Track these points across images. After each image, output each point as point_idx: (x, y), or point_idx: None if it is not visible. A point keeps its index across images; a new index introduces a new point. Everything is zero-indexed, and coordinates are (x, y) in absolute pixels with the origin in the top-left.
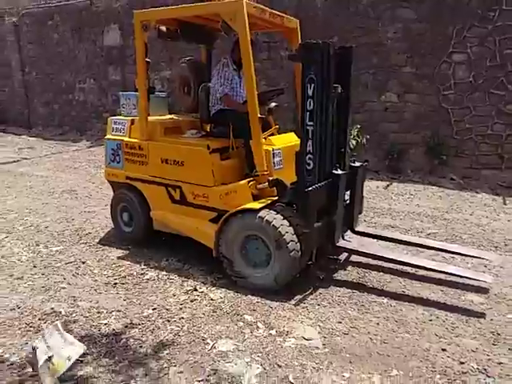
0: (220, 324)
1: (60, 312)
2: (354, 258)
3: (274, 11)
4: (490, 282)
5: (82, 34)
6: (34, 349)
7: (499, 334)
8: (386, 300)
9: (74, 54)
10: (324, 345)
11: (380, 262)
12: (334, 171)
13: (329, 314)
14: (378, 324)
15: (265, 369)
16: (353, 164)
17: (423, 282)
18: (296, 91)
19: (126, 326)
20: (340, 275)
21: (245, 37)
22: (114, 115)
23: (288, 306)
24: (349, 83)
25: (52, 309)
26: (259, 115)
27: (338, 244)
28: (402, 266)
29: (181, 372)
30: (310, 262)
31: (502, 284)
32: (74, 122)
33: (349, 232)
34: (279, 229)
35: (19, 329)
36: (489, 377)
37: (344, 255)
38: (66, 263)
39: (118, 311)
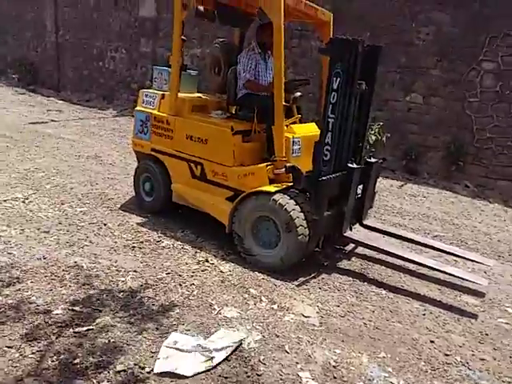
0: (227, 294)
1: (82, 266)
2: (359, 250)
3: (309, 3)
4: (485, 285)
5: (119, 2)
6: None
7: (487, 335)
8: (384, 292)
9: (108, 21)
10: (320, 323)
11: (384, 257)
12: (349, 164)
13: (328, 297)
14: (373, 312)
15: (264, 337)
16: (368, 159)
17: (422, 280)
18: (322, 83)
19: (141, 285)
20: (344, 264)
21: (279, 25)
22: (143, 87)
23: (291, 285)
24: (373, 81)
25: (75, 262)
26: (283, 103)
27: (345, 234)
28: (403, 263)
29: (188, 330)
30: (316, 249)
31: (498, 291)
32: (101, 89)
33: (357, 225)
34: (290, 213)
35: (45, 276)
36: (470, 370)
37: (350, 246)
38: (89, 223)
39: (135, 271)
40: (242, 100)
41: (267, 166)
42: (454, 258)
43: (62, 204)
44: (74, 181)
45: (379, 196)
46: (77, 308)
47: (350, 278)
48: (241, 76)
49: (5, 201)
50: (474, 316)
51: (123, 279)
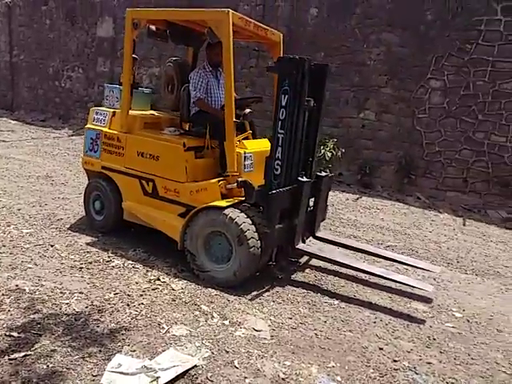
0: (177, 312)
1: (24, 289)
2: (314, 262)
3: (258, 23)
4: (430, 291)
5: (75, 22)
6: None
7: (434, 339)
8: (336, 302)
9: (64, 41)
10: (272, 336)
11: (338, 268)
12: (299, 178)
13: (281, 310)
14: (325, 322)
15: (213, 353)
16: (319, 173)
17: (374, 289)
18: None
19: (87, 307)
20: (298, 276)
21: (228, 45)
22: (99, 106)
23: (244, 300)
24: (321, 98)
25: (16, 286)
26: (234, 119)
27: (297, 247)
28: (356, 273)
29: (133, 351)
30: (270, 263)
31: (446, 296)
32: (57, 109)
33: (311, 237)
34: (241, 226)
35: None
36: (417, 374)
37: (304, 259)
38: (35, 245)
39: (81, 293)
40: (194, 117)
41: (219, 181)
42: (405, 266)
43: (8, 226)
44: (22, 202)
45: (335, 209)
46: (14, 334)
47: (304, 290)
48: (191, 94)
49: None
50: (423, 321)
51: (67, 302)
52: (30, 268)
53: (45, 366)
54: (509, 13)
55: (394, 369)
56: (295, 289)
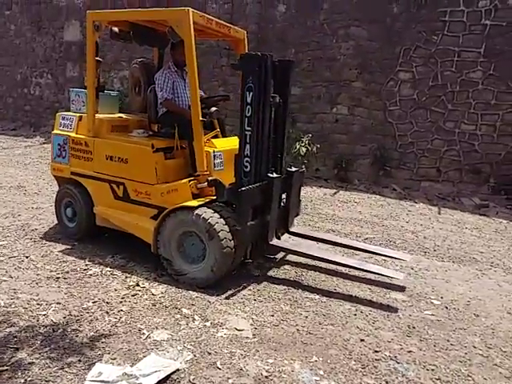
0: (158, 316)
1: None
2: (293, 258)
3: (220, 21)
4: (401, 278)
5: (41, 27)
6: None
7: (414, 328)
8: (318, 296)
9: (31, 47)
10: (254, 335)
11: (317, 263)
12: (269, 174)
13: (263, 308)
14: (306, 317)
15: (195, 356)
16: (289, 169)
17: (354, 282)
18: None
19: (65, 317)
20: (279, 273)
21: (190, 43)
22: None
23: (226, 301)
24: (287, 94)
25: None
26: (201, 118)
27: (271, 243)
28: (336, 267)
29: (114, 359)
30: (246, 260)
31: (425, 285)
32: (27, 117)
33: (286, 233)
34: (214, 226)
35: None
36: (398, 363)
37: (281, 255)
38: (10, 257)
39: (58, 303)
40: (162, 118)
41: (190, 181)
42: (383, 257)
43: None
44: None
45: (313, 204)
46: None
47: (285, 287)
48: (158, 95)
49: None
50: (402, 311)
51: (44, 313)
52: (4, 281)
53: (22, 381)
54: (470, 4)
55: (376, 359)
56: (276, 286)
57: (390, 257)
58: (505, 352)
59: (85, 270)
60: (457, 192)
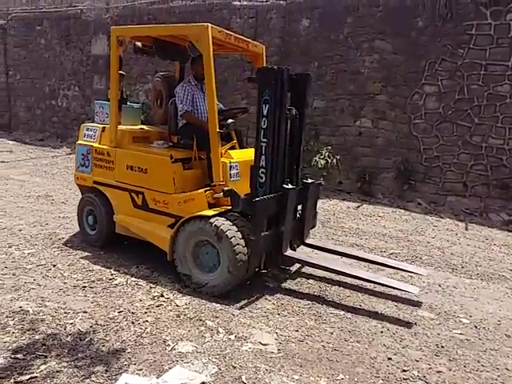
0: (182, 328)
1: (28, 311)
2: (318, 272)
3: (239, 36)
4: (415, 292)
5: (70, 41)
6: None
7: (443, 347)
8: (342, 312)
9: (59, 60)
10: (279, 350)
11: (342, 278)
12: (284, 185)
13: (287, 323)
14: (332, 333)
15: (220, 369)
16: (305, 181)
17: (380, 298)
18: None
19: (91, 327)
20: (302, 288)
21: (208, 58)
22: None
23: (249, 314)
24: (304, 106)
25: (20, 307)
26: (218, 130)
27: (285, 253)
28: (361, 282)
29: (140, 370)
30: (260, 270)
31: (453, 302)
32: (55, 128)
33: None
34: (228, 234)
35: None
36: (426, 383)
37: (296, 266)
38: (37, 265)
39: (85, 312)
40: (181, 130)
41: (206, 191)
42: (409, 273)
43: (10, 247)
44: (22, 222)
45: (337, 218)
46: (19, 355)
47: (309, 301)
48: (178, 108)
49: None
50: (430, 329)
51: (71, 321)
52: (33, 289)
53: None
54: (498, 17)
55: (404, 379)
56: (300, 300)
57: (405, 270)
58: None
59: (110, 279)
60: (484, 207)
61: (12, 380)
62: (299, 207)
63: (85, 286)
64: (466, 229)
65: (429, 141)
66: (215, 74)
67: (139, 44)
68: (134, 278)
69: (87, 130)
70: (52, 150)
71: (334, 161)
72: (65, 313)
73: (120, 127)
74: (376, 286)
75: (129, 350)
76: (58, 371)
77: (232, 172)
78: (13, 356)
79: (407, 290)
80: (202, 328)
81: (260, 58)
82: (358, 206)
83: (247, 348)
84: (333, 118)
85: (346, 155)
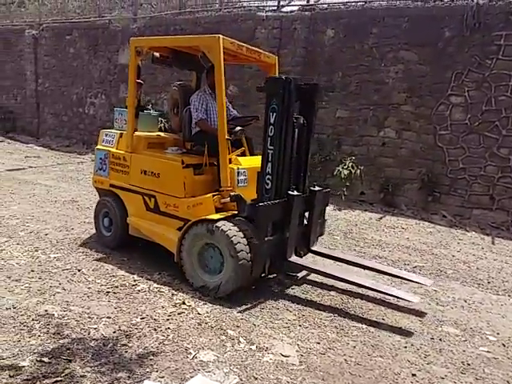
0: (204, 336)
1: (53, 314)
2: (339, 284)
3: (251, 47)
4: (416, 302)
5: (98, 50)
6: None
7: (469, 364)
8: (365, 326)
9: (87, 69)
10: (300, 362)
11: (364, 291)
12: (289, 192)
13: (308, 335)
14: (354, 347)
15: (241, 379)
16: (313, 188)
17: (403, 312)
18: None
19: (114, 332)
20: (324, 300)
21: (219, 68)
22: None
23: (271, 324)
24: (312, 115)
25: (46, 311)
26: (227, 137)
27: (289, 259)
28: (384, 296)
29: (162, 377)
30: (265, 275)
31: (479, 319)
32: (81, 134)
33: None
34: (232, 238)
35: (13, 327)
36: None
37: (303, 273)
38: (63, 270)
39: (108, 318)
40: (195, 137)
41: (214, 195)
42: (436, 288)
43: (36, 251)
44: (49, 226)
45: (359, 229)
46: (45, 359)
47: (331, 314)
48: (193, 115)
49: None
50: (456, 346)
51: (95, 326)
52: (58, 293)
53: None
54: None
55: None
56: (322, 312)
57: (411, 281)
58: None
59: (133, 285)
60: (511, 221)
61: (38, 383)
62: (306, 214)
63: (108, 292)
64: (493, 243)
65: (454, 152)
66: (239, 83)
67: (157, 54)
68: (156, 285)
69: (106, 135)
70: (78, 156)
71: (358, 171)
72: (89, 318)
73: (137, 133)
74: (400, 300)
75: (151, 357)
76: (81, 376)
77: (240, 178)
78: (39, 359)
79: (407, 298)
80: (224, 337)
81: (273, 68)
82: (381, 218)
83: (268, 359)
84: (356, 128)
85: (369, 166)
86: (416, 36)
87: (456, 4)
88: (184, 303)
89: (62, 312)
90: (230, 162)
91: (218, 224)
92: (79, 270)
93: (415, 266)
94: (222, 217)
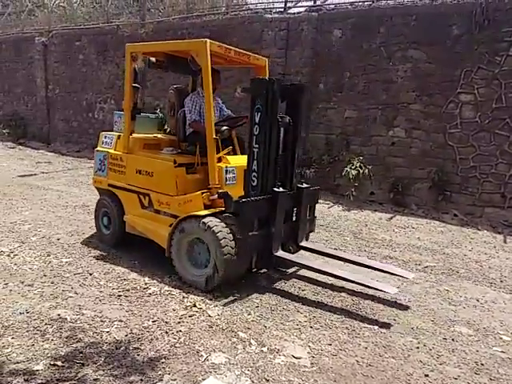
0: (215, 339)
1: (66, 318)
2: (349, 285)
3: (239, 50)
4: (392, 293)
5: (107, 56)
6: None
7: (482, 365)
8: (376, 327)
9: (97, 74)
10: (312, 364)
11: (375, 292)
12: (274, 189)
13: (320, 336)
14: (366, 348)
15: (253, 382)
16: (300, 185)
17: (415, 313)
18: None
19: (126, 335)
20: (334, 301)
21: (206, 70)
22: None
23: (281, 326)
24: (298, 115)
25: (58, 315)
26: (214, 136)
27: (275, 254)
28: (395, 297)
29: (174, 380)
30: (252, 270)
31: (492, 318)
32: (91, 140)
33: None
34: (217, 233)
35: (27, 331)
36: None
37: (294, 269)
38: (75, 274)
39: (120, 321)
40: (189, 137)
41: (202, 193)
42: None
43: (48, 255)
44: (60, 231)
45: (369, 229)
46: (59, 363)
47: (342, 315)
48: (187, 117)
49: None
50: (469, 346)
51: (108, 330)
52: (70, 297)
53: None
54: None
55: None
56: (333, 314)
57: (392, 274)
58: None
59: (144, 288)
60: None
61: None
62: (294, 210)
63: (120, 295)
64: (505, 241)
65: (465, 150)
66: (247, 86)
67: (153, 59)
68: (167, 288)
69: (105, 137)
70: (88, 161)
71: (366, 171)
72: (101, 321)
73: (134, 135)
74: (410, 301)
75: (163, 360)
76: (95, 379)
77: (228, 176)
78: (52, 363)
79: (385, 290)
80: (235, 339)
81: (263, 70)
82: (391, 217)
83: (280, 361)
84: (365, 128)
85: (379, 165)
86: (424, 34)
87: (464, 1)
88: (195, 306)
89: (75, 316)
90: (220, 161)
91: (205, 220)
92: (91, 274)
93: (426, 266)
94: (209, 213)
